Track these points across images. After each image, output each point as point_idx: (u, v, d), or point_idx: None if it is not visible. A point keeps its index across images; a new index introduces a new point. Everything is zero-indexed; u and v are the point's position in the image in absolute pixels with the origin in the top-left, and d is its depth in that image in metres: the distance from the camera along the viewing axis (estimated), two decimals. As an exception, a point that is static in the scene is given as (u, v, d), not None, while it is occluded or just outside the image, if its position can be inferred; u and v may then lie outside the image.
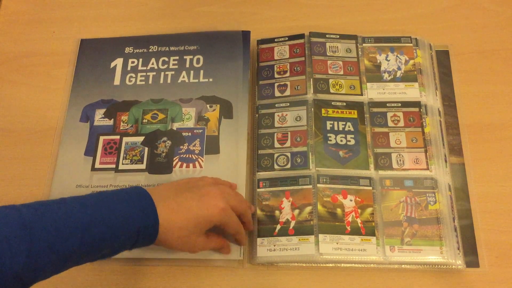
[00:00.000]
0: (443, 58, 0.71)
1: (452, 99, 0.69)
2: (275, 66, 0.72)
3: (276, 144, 0.66)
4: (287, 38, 0.74)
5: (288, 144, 0.66)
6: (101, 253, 0.48)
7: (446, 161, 0.64)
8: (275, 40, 0.74)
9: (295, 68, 0.71)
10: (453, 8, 0.77)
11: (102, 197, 0.50)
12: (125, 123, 0.70)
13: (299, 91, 0.69)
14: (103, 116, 0.70)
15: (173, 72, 0.73)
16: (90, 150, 0.68)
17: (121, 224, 0.48)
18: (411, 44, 0.71)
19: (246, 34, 0.74)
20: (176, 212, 0.52)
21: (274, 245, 0.60)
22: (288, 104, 0.68)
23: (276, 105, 0.69)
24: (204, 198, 0.54)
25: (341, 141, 0.65)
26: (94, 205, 0.48)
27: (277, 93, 0.70)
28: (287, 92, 0.69)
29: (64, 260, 0.45)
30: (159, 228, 0.50)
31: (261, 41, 0.74)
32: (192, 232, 0.53)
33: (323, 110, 0.67)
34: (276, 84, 0.70)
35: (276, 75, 0.71)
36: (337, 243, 0.59)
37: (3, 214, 0.44)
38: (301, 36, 0.73)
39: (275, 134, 0.67)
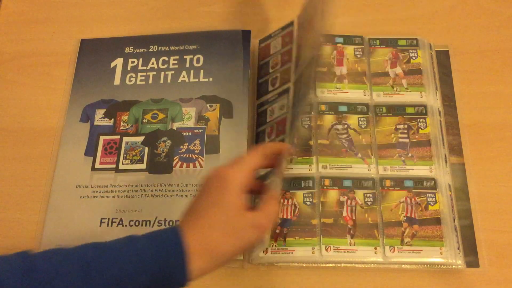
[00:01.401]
0: (443, 58, 0.71)
1: (452, 99, 0.69)
2: (270, 61, 0.71)
3: (266, 140, 0.65)
4: (280, 30, 0.72)
5: (273, 136, 0.64)
6: None
7: (446, 161, 0.64)
8: (272, 35, 0.73)
9: (285, 58, 0.69)
10: (453, 8, 0.77)
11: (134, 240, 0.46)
12: (125, 123, 0.70)
13: (285, 79, 0.67)
14: (103, 116, 0.70)
15: (173, 72, 0.73)
16: (90, 150, 0.68)
17: (136, 267, 0.43)
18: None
19: (246, 34, 0.74)
20: (214, 229, 0.45)
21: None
22: (276, 96, 0.67)
23: (269, 100, 0.67)
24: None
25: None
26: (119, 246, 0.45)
27: (270, 88, 0.68)
28: (277, 84, 0.68)
29: None
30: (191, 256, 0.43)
31: (261, 40, 0.74)
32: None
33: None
34: (270, 79, 0.69)
35: (270, 70, 0.70)
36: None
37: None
38: (291, 23, 0.70)
39: (266, 130, 0.66)
